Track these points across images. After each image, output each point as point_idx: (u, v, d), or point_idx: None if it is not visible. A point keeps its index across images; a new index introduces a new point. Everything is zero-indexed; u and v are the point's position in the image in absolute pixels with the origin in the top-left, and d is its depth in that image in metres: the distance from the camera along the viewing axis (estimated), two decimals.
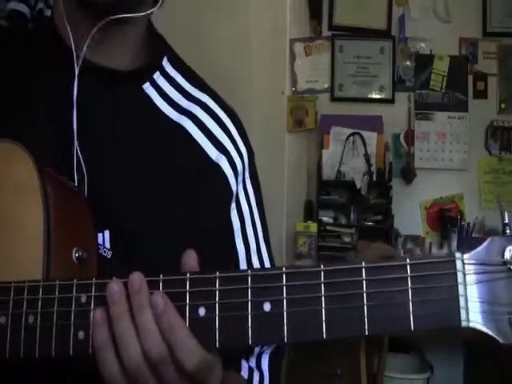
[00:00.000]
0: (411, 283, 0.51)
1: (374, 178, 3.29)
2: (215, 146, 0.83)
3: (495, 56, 3.49)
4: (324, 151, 3.37)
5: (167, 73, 0.85)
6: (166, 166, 0.79)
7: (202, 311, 0.55)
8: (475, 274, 0.50)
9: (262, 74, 3.37)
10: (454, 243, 3.23)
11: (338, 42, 3.51)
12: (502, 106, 3.47)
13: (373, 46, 3.50)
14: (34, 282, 0.60)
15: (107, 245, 0.72)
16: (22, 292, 0.60)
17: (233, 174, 0.84)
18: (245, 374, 0.82)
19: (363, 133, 3.36)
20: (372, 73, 3.51)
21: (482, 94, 3.47)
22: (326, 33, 3.51)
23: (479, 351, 3.19)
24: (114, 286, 0.56)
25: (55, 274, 0.62)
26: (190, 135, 0.82)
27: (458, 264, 0.50)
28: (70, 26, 0.76)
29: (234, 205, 0.84)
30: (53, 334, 0.58)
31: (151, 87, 0.82)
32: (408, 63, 3.49)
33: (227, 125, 0.86)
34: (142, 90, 0.81)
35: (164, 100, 0.82)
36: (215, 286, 0.54)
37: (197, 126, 0.83)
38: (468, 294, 0.50)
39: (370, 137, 3.37)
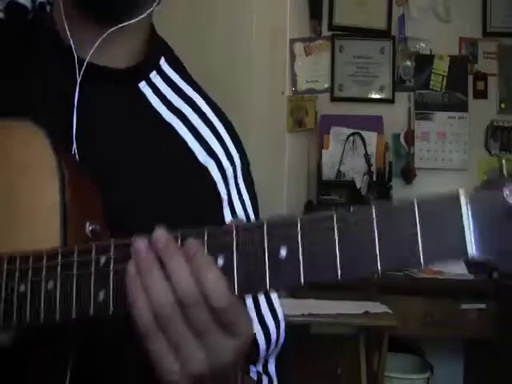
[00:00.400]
0: (419, 220, 0.53)
1: (374, 178, 3.29)
2: (204, 149, 0.83)
3: (495, 56, 3.49)
4: (324, 151, 3.37)
5: (164, 72, 0.85)
6: (156, 164, 0.79)
7: (220, 261, 0.57)
8: (479, 209, 0.53)
9: (262, 74, 3.37)
10: None
11: (338, 42, 3.51)
12: (502, 106, 3.47)
13: (373, 46, 3.50)
14: (52, 249, 0.62)
15: None
16: (40, 259, 0.62)
17: (221, 179, 0.84)
18: (254, 376, 0.83)
19: (363, 133, 3.36)
20: (372, 73, 3.51)
21: (481, 94, 3.47)
22: (325, 33, 3.51)
23: (479, 351, 3.19)
24: (140, 243, 0.57)
25: (71, 245, 0.63)
26: (181, 137, 0.83)
27: (462, 199, 0.53)
28: (68, 22, 0.77)
29: (227, 210, 0.84)
30: (73, 295, 0.60)
31: (147, 86, 0.83)
32: (408, 63, 3.50)
33: (219, 130, 0.86)
34: (138, 88, 0.82)
35: (159, 99, 0.83)
36: (232, 237, 0.57)
37: (188, 128, 0.83)
38: (473, 226, 0.52)
39: (370, 137, 3.38)
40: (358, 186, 3.25)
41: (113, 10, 0.75)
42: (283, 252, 0.55)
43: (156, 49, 0.86)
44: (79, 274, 0.60)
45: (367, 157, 3.31)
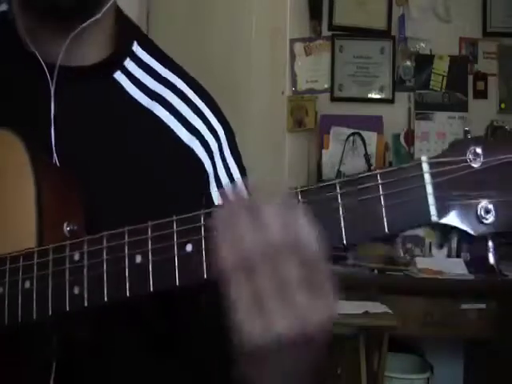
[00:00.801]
0: (382, 190, 0.54)
1: None
2: (187, 129, 0.83)
3: (495, 56, 3.49)
4: (324, 151, 3.37)
5: (138, 57, 0.84)
6: (138, 154, 0.79)
7: (189, 247, 0.58)
8: (441, 173, 0.54)
9: (262, 73, 3.37)
10: (454, 243, 3.23)
11: (338, 42, 3.51)
12: (502, 106, 3.47)
13: (373, 46, 3.50)
14: (28, 249, 0.63)
15: None
16: (17, 261, 0.63)
17: (207, 156, 0.83)
18: None
19: (363, 133, 3.36)
20: (372, 73, 3.51)
21: (481, 94, 3.47)
22: (325, 33, 3.51)
23: (479, 351, 3.19)
24: (232, 189, 0.56)
25: (48, 245, 0.64)
26: (161, 120, 0.82)
27: (425, 166, 0.54)
28: (31, 30, 0.76)
29: (214, 185, 0.83)
30: (49, 292, 0.61)
31: (122, 75, 0.81)
32: (408, 63, 3.49)
33: (199, 106, 0.85)
34: (113, 79, 0.81)
35: (135, 86, 0.82)
36: (200, 222, 0.58)
37: (168, 110, 0.82)
38: (436, 192, 0.53)
39: (370, 137, 3.38)
40: None
41: (75, 8, 0.73)
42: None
43: (127, 34, 0.84)
44: (54, 271, 0.61)
45: (367, 157, 3.31)
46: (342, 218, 0.55)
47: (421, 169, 0.54)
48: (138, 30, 0.88)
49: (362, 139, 3.35)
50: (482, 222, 0.53)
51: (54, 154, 0.75)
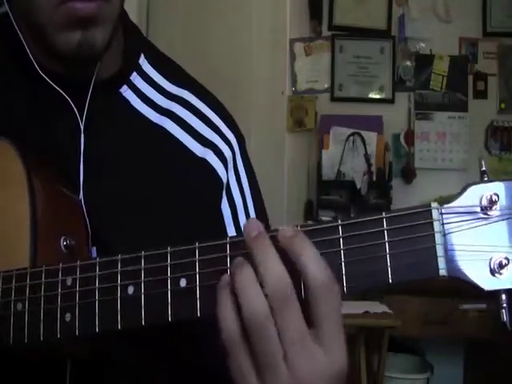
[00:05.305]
0: (388, 236, 0.50)
1: (374, 178, 3.29)
2: (199, 142, 0.81)
3: (495, 56, 3.49)
4: (324, 151, 3.37)
5: (144, 72, 0.81)
6: (150, 171, 0.77)
7: (183, 282, 0.55)
8: (452, 222, 0.49)
9: (262, 74, 3.37)
10: None
11: (338, 42, 3.50)
12: (502, 106, 3.47)
13: (373, 46, 3.50)
14: (21, 270, 0.61)
15: None
16: (10, 281, 0.61)
17: (221, 164, 0.82)
18: None
19: (363, 133, 3.36)
20: (372, 73, 3.51)
21: (481, 94, 3.47)
22: (325, 33, 3.51)
23: (479, 351, 3.19)
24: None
25: (43, 262, 0.62)
26: (172, 135, 0.80)
27: (435, 213, 0.49)
28: (40, 57, 0.73)
29: (224, 193, 0.82)
30: (41, 318, 0.59)
31: (129, 90, 0.79)
32: (408, 63, 3.49)
33: (210, 117, 0.83)
34: (120, 94, 0.78)
35: (143, 101, 0.80)
36: (195, 257, 0.54)
37: (178, 124, 0.81)
38: (446, 242, 0.49)
39: (370, 137, 3.37)
40: (358, 186, 3.25)
41: (98, 57, 0.72)
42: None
43: (134, 46, 0.81)
44: (46, 295, 0.59)
45: (367, 157, 3.31)
46: (343, 264, 0.51)
47: (430, 216, 0.49)
48: (145, 41, 0.86)
49: (362, 139, 3.35)
50: (496, 277, 0.48)
51: (81, 190, 0.73)
